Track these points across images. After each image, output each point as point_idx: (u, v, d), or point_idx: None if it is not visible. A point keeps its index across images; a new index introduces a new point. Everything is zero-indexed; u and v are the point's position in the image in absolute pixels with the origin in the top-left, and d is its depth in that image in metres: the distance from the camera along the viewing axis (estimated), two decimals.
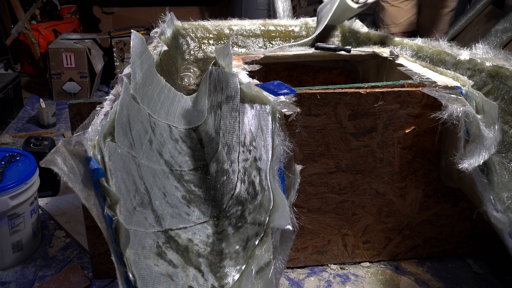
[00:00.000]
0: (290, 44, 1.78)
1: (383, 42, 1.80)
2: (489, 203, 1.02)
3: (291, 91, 1.03)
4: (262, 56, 1.54)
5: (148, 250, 0.75)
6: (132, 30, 1.08)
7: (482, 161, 0.99)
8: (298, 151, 1.17)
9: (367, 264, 1.37)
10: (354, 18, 2.25)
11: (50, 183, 1.69)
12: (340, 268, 1.35)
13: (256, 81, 1.12)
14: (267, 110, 0.93)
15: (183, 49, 2.15)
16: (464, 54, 1.42)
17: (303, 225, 1.27)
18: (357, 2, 1.77)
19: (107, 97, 0.93)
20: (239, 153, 0.99)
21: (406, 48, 1.64)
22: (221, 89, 1.15)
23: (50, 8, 3.64)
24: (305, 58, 1.67)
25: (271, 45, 2.25)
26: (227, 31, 2.23)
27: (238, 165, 0.99)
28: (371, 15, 4.06)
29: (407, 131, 1.20)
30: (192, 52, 2.17)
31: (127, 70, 1.05)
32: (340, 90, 1.13)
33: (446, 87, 1.15)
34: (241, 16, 2.48)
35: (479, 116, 1.03)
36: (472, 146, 1.02)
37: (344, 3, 1.75)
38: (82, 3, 4.11)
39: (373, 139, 1.20)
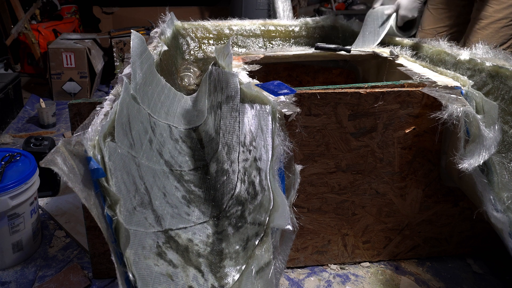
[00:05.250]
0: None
1: (383, 42, 1.80)
2: (489, 203, 1.02)
3: (291, 91, 1.03)
4: (262, 56, 1.54)
5: (148, 250, 0.75)
6: (132, 30, 1.08)
7: (482, 161, 0.99)
8: (298, 151, 1.17)
9: (367, 264, 1.37)
10: (354, 18, 2.25)
11: (50, 183, 1.69)
12: (340, 268, 1.35)
13: (256, 81, 1.12)
14: (267, 110, 0.93)
15: (183, 49, 2.15)
16: (464, 54, 1.42)
17: (303, 225, 1.27)
18: (402, 30, 1.80)
19: (107, 97, 0.93)
20: (239, 153, 0.99)
21: (406, 48, 1.64)
22: (221, 89, 1.15)
23: (50, 8, 3.64)
24: (305, 58, 1.67)
25: (271, 45, 2.25)
26: (227, 31, 2.23)
27: (238, 165, 0.99)
28: None
29: (407, 131, 1.20)
30: (192, 52, 2.17)
31: (127, 70, 1.05)
32: (340, 90, 1.13)
33: (446, 87, 1.15)
34: (241, 16, 2.47)
35: (479, 116, 1.03)
36: (472, 146, 1.02)
37: (393, 31, 1.79)
38: (82, 3, 4.11)
39: (373, 139, 1.20)
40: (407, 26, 1.81)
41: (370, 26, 1.86)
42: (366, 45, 1.81)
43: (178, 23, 2.17)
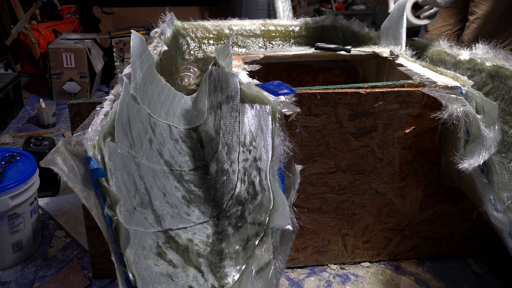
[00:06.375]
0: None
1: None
2: (489, 203, 1.02)
3: (291, 91, 1.03)
4: (262, 56, 1.54)
5: (148, 250, 0.75)
6: (132, 30, 1.08)
7: (482, 161, 0.99)
8: (298, 151, 1.17)
9: (367, 264, 1.37)
10: (354, 18, 2.25)
11: (50, 183, 1.69)
12: (340, 268, 1.35)
13: (256, 81, 1.12)
14: (267, 110, 0.93)
15: (183, 49, 2.15)
16: (464, 54, 1.42)
17: (303, 225, 1.27)
18: (418, 17, 1.70)
19: (107, 97, 0.93)
20: (239, 153, 0.99)
21: (406, 48, 1.64)
22: (221, 89, 1.15)
23: (50, 8, 3.64)
24: (305, 58, 1.67)
25: (271, 45, 2.26)
26: (227, 31, 2.23)
27: (238, 165, 0.99)
28: (371, 15, 4.06)
29: (407, 131, 1.20)
30: (192, 52, 2.17)
31: (127, 70, 1.05)
32: (340, 90, 1.13)
33: (446, 87, 1.15)
34: (241, 16, 2.47)
35: (479, 116, 1.03)
36: (472, 146, 1.02)
37: (409, 22, 1.70)
38: (82, 3, 4.11)
39: (373, 139, 1.20)
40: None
41: (392, 25, 1.76)
42: (391, 45, 1.70)
43: (178, 23, 2.17)
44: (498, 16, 1.78)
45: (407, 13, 1.66)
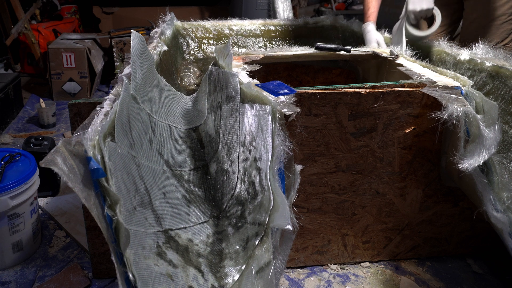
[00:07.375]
0: None
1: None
2: (489, 203, 1.02)
3: (291, 91, 1.03)
4: (262, 56, 1.54)
5: (148, 250, 0.75)
6: (132, 30, 1.08)
7: (482, 161, 0.99)
8: (298, 151, 1.17)
9: (367, 264, 1.37)
10: (354, 18, 2.25)
11: (50, 183, 1.69)
12: (340, 268, 1.35)
13: (256, 81, 1.12)
14: (267, 110, 0.93)
15: (183, 49, 2.15)
16: (464, 54, 1.42)
17: (303, 225, 1.27)
18: (419, 28, 1.68)
19: (107, 97, 0.93)
20: (239, 153, 0.99)
21: (406, 48, 1.64)
22: (221, 89, 1.15)
23: (50, 8, 3.64)
24: (305, 58, 1.67)
25: (271, 45, 2.26)
26: (227, 31, 2.23)
27: (238, 165, 0.99)
28: None
29: (407, 131, 1.20)
30: (192, 52, 2.17)
31: (127, 70, 1.05)
32: (340, 90, 1.13)
33: (446, 87, 1.15)
34: (241, 16, 2.48)
35: (479, 116, 1.03)
36: (472, 146, 1.02)
37: (410, 35, 1.69)
38: (82, 3, 4.11)
39: (373, 139, 1.20)
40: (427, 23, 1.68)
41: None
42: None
43: (178, 23, 2.17)
44: (486, 8, 1.78)
45: (408, 26, 1.66)
